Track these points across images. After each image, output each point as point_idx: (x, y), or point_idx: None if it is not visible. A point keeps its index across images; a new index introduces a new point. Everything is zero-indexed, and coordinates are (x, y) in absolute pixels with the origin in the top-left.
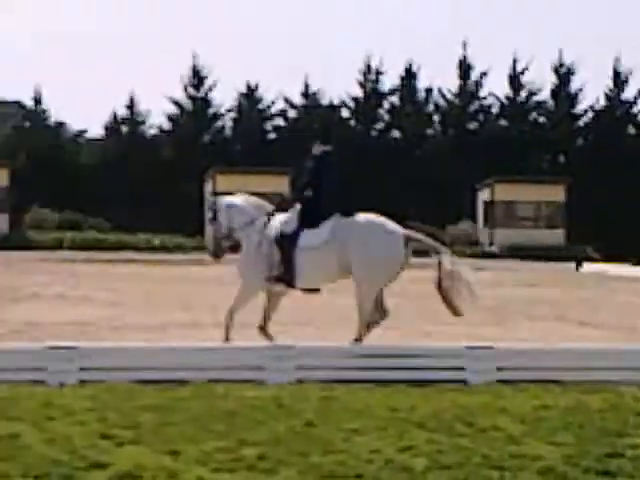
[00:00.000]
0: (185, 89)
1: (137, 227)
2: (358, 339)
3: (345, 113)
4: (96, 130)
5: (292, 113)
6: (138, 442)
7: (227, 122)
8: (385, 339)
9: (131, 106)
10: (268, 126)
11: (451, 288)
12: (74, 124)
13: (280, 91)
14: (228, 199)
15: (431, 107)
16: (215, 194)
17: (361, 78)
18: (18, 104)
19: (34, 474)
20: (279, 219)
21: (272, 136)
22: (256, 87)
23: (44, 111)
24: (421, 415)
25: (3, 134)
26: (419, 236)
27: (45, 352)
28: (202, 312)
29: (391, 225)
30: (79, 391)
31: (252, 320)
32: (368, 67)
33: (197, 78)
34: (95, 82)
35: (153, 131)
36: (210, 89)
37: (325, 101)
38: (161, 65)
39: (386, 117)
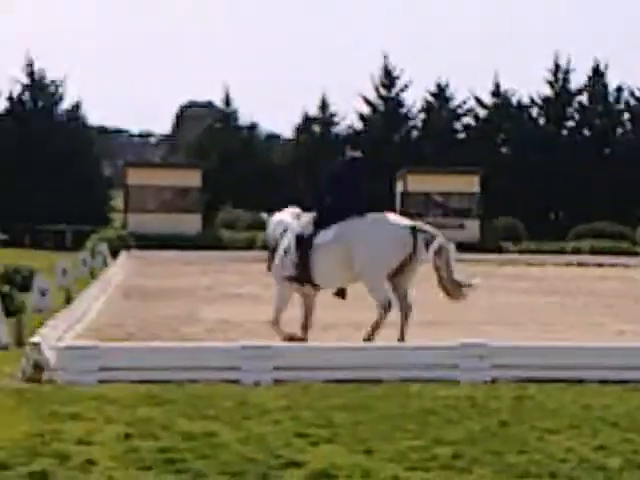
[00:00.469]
0: (376, 89)
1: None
2: (374, 329)
3: (535, 112)
4: (288, 130)
5: (482, 112)
6: (333, 441)
7: (418, 122)
8: (576, 337)
9: (323, 106)
10: (458, 125)
11: (446, 273)
12: (266, 125)
13: (470, 90)
14: (276, 215)
15: (621, 106)
16: (405, 194)
17: (550, 77)
18: (210, 105)
19: (230, 472)
20: (300, 222)
21: (462, 135)
22: (446, 86)
23: (235, 112)
24: (615, 414)
25: (196, 135)
26: (425, 227)
27: (240, 351)
28: (394, 310)
29: (396, 218)
30: (273, 390)
31: (442, 318)
32: (557, 66)
33: (388, 78)
34: (287, 83)
35: (345, 131)
36: (402, 89)
37: (515, 100)
38: (352, 65)
39: (576, 116)
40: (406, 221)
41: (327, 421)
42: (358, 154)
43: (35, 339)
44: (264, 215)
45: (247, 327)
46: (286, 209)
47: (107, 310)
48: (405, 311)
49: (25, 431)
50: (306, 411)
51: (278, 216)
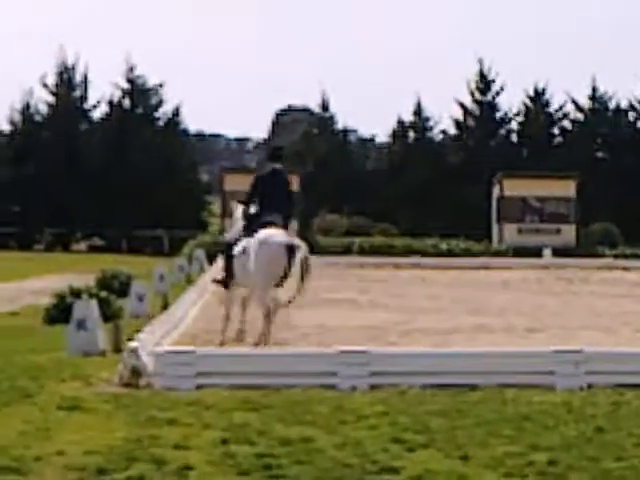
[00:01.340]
0: (472, 94)
1: (424, 231)
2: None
3: (632, 116)
4: (383, 136)
5: (579, 116)
6: (429, 446)
7: (514, 126)
8: None
9: (418, 112)
10: (555, 130)
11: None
12: (362, 130)
13: (567, 93)
14: (237, 210)
15: None
16: (502, 198)
17: None
18: (306, 110)
19: (327, 477)
20: (233, 230)
21: (558, 140)
22: (543, 91)
23: (331, 117)
24: None
25: (292, 140)
26: (297, 242)
27: (337, 356)
28: (490, 316)
29: (276, 237)
30: (370, 395)
31: (538, 325)
32: None
33: (484, 83)
34: (383, 89)
35: (439, 136)
36: (497, 94)
37: (612, 104)
38: (447, 70)
39: None
40: (284, 238)
41: (423, 427)
42: (279, 166)
43: (133, 344)
44: (233, 204)
45: (343, 332)
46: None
47: (204, 316)
48: (271, 313)
49: (122, 436)
50: (402, 416)
51: (236, 212)
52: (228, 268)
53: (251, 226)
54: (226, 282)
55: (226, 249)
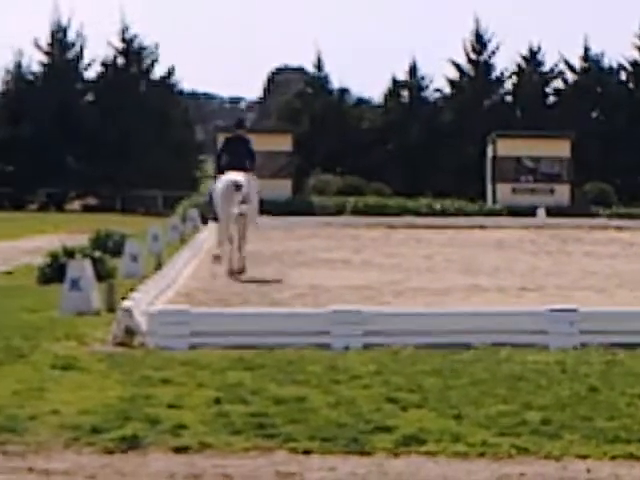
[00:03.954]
0: (467, 54)
1: (418, 191)
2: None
3: (624, 76)
4: (378, 95)
5: (571, 77)
6: (422, 406)
7: (508, 86)
8: None
9: (412, 71)
10: (549, 89)
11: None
12: (356, 89)
13: (560, 54)
14: None
15: None
16: (496, 158)
17: (638, 41)
18: (301, 70)
19: (320, 437)
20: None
21: (552, 99)
22: (537, 50)
23: (326, 77)
24: None
25: (286, 100)
26: (241, 183)
27: (330, 316)
28: (484, 276)
29: (230, 177)
30: (363, 355)
31: (532, 284)
32: None
33: (479, 43)
34: (378, 48)
35: (434, 95)
36: (492, 53)
37: (605, 64)
38: (443, 29)
39: None
40: (234, 178)
41: (417, 386)
42: (241, 132)
43: (126, 304)
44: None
45: (337, 292)
46: None
47: (198, 275)
48: (238, 245)
49: (116, 395)
50: (396, 376)
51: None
52: (213, 210)
53: (222, 174)
54: (216, 219)
55: (210, 196)
